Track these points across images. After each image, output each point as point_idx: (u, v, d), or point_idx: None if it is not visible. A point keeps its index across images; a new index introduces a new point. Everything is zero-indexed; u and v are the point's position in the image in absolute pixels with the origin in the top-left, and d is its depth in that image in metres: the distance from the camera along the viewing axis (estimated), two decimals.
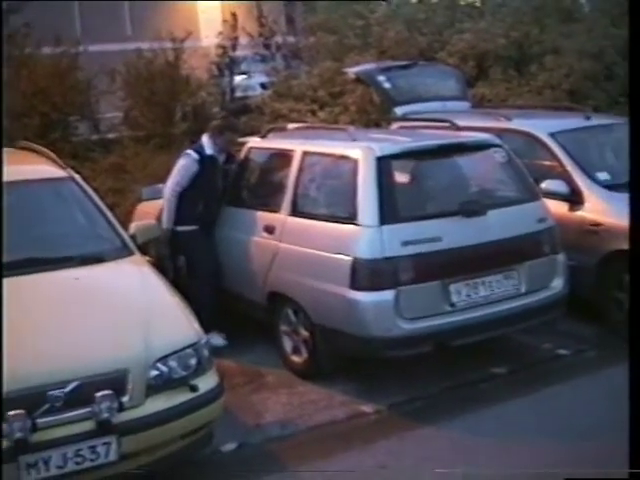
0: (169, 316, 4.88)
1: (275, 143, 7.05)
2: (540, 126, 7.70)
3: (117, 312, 4.82)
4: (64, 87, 11.69)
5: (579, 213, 7.04)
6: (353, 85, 11.13)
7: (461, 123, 7.66)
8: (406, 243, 5.60)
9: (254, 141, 7.23)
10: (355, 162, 5.87)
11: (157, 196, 7.58)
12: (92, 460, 4.22)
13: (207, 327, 6.02)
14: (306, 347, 6.18)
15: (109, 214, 6.02)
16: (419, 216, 5.79)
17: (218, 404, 4.76)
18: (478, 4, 14.01)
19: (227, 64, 13.01)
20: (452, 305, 5.77)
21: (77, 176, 6.24)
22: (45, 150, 6.61)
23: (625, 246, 6.62)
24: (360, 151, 5.92)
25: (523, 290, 6.08)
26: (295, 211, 6.30)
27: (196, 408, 4.59)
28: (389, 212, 5.66)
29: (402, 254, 5.59)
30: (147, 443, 4.44)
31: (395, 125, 8.70)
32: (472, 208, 5.88)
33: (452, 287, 5.76)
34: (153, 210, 7.48)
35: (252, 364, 6.58)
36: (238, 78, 14.32)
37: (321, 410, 5.78)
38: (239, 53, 13.58)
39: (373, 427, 5.56)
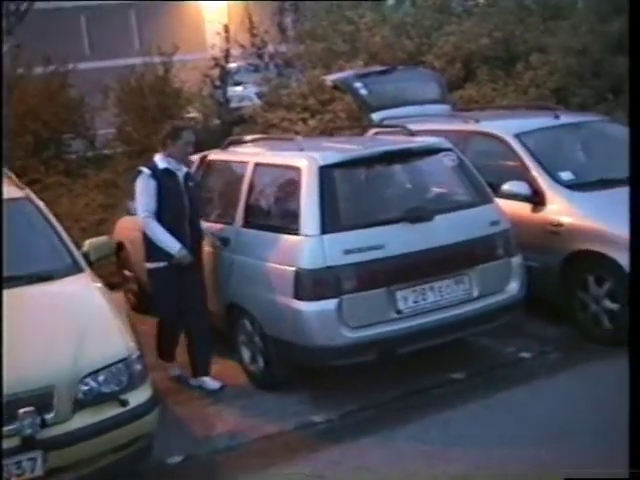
0: (102, 332, 4.94)
1: (232, 155, 7.09)
2: (506, 127, 7.67)
3: (51, 330, 4.89)
4: (55, 105, 11.86)
5: (541, 214, 6.98)
6: (342, 92, 11.14)
7: (431, 127, 7.72)
8: (348, 252, 5.60)
9: (214, 153, 7.30)
10: (299, 172, 5.90)
11: None
12: (18, 475, 4.32)
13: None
14: (262, 357, 6.22)
15: (63, 232, 6.11)
16: (362, 224, 5.78)
17: (150, 418, 4.82)
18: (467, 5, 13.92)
19: (220, 75, 13.07)
20: (399, 312, 5.76)
21: (33, 196, 6.37)
22: (7, 171, 6.74)
23: (586, 246, 6.63)
24: (303, 160, 5.95)
25: (475, 294, 6.05)
26: (247, 222, 6.36)
27: (125, 422, 4.66)
28: (331, 221, 5.67)
29: (344, 263, 5.60)
30: (75, 457, 4.53)
31: (371, 131, 8.69)
32: (417, 214, 5.87)
33: (398, 294, 5.75)
34: (133, 225, 7.55)
35: (215, 375, 6.60)
36: (236, 89, 14.43)
37: (272, 420, 5.80)
38: (233, 64, 13.68)
39: (320, 437, 5.55)
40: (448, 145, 6.39)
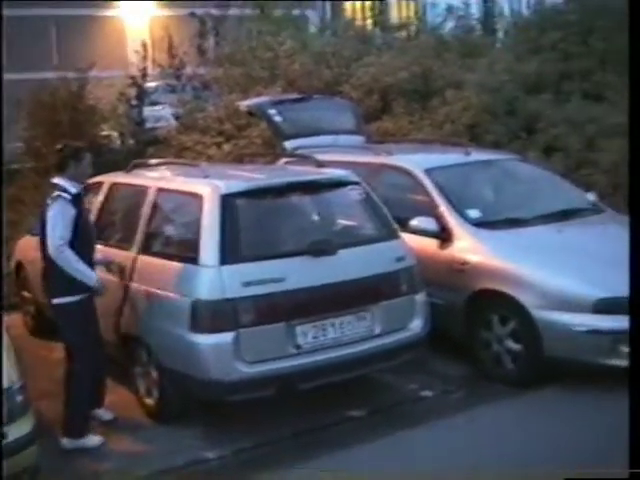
0: None
1: (135, 179, 6.90)
2: (416, 162, 7.64)
3: None
4: None
5: (448, 251, 6.95)
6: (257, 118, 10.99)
7: (343, 158, 7.63)
8: (247, 284, 5.47)
9: (118, 175, 7.09)
10: (200, 199, 5.76)
11: None
12: None
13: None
14: (157, 389, 6.01)
15: None
16: (263, 256, 5.65)
17: (30, 451, 4.63)
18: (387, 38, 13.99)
19: (137, 94, 12.81)
20: (297, 347, 5.63)
21: None
22: None
23: (491, 285, 6.61)
24: (206, 188, 5.80)
25: (377, 331, 5.95)
26: (145, 249, 6.17)
27: (4, 456, 4.41)
28: (230, 252, 5.53)
29: (243, 295, 5.46)
30: None
31: (281, 161, 8.56)
32: (320, 247, 5.76)
33: (298, 329, 5.63)
34: (34, 245, 7.26)
35: (110, 405, 6.36)
36: (154, 108, 14.18)
37: (164, 455, 5.61)
38: (152, 84, 13.46)
39: (212, 474, 5.39)
40: (356, 179, 6.31)
